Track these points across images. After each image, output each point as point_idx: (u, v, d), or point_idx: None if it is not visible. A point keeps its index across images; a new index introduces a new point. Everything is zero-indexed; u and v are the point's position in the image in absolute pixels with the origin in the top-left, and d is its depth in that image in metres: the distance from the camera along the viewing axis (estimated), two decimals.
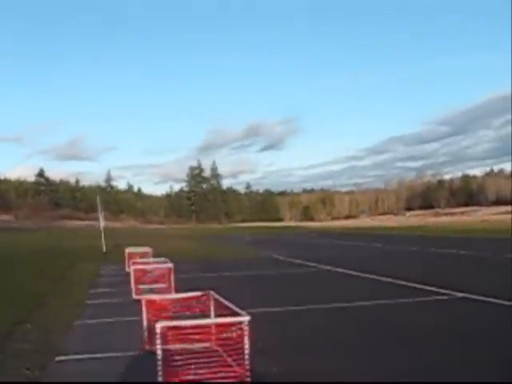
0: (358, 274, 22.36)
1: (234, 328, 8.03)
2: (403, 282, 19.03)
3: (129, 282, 18.10)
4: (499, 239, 42.16)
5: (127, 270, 22.97)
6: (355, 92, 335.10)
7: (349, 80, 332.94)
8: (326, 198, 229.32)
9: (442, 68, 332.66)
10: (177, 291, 15.14)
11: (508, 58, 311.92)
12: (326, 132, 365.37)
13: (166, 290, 16.61)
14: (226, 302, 9.09)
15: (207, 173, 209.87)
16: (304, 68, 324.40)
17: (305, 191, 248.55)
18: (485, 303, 14.49)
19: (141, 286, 17.40)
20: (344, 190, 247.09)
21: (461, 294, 15.91)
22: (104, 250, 40.64)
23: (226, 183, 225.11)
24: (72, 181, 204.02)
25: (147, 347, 9.95)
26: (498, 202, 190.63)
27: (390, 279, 20.04)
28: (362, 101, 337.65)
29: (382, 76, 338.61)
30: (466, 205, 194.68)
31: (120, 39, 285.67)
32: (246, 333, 7.78)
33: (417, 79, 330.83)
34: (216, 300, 9.79)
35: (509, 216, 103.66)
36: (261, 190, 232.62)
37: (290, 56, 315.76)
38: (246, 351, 7.78)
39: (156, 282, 17.71)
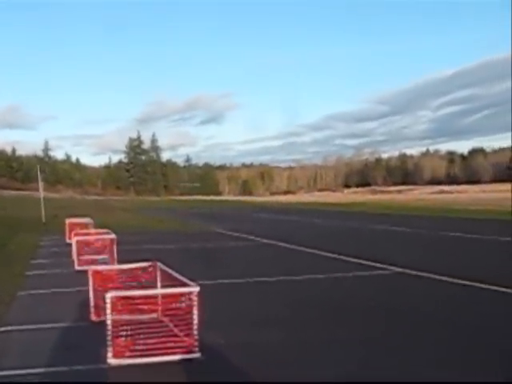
0: (301, 248, 22.66)
1: (183, 298, 8.11)
2: (343, 257, 19.43)
3: (70, 253, 17.99)
4: (433, 217, 43.12)
5: (68, 241, 22.77)
6: (296, 68, 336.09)
7: (290, 56, 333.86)
8: (264, 173, 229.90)
9: (382, 49, 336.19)
10: (119, 263, 15.11)
11: (447, 41, 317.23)
12: (267, 107, 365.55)
13: (109, 261, 16.61)
14: (174, 273, 9.15)
15: (147, 145, 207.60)
16: (245, 42, 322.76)
17: (244, 166, 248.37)
18: (420, 277, 15.01)
19: (83, 257, 17.32)
20: (283, 165, 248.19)
21: (399, 269, 16.38)
22: (44, 220, 40.05)
23: (165, 156, 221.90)
24: (8, 150, 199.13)
25: (94, 318, 9.97)
26: (433, 181, 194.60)
27: (330, 254, 20.41)
28: (302, 77, 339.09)
29: (323, 53, 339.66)
30: (403, 183, 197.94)
31: (59, 7, 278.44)
32: (195, 303, 7.88)
33: (357, 58, 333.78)
34: (163, 271, 9.84)
35: (443, 195, 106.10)
36: (200, 164, 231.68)
37: (229, 29, 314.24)
38: (195, 322, 7.88)
39: (98, 253, 17.66)
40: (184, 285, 8.24)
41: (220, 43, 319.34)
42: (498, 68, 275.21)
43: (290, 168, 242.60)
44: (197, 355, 7.87)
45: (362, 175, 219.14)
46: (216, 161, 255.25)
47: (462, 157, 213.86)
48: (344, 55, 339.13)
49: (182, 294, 8.08)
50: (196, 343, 7.91)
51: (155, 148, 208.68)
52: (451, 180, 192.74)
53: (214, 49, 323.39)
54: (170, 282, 9.06)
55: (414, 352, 8.29)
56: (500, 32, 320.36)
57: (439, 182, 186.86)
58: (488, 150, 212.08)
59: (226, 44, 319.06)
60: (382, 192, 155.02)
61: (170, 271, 9.39)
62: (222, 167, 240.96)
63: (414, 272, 15.79)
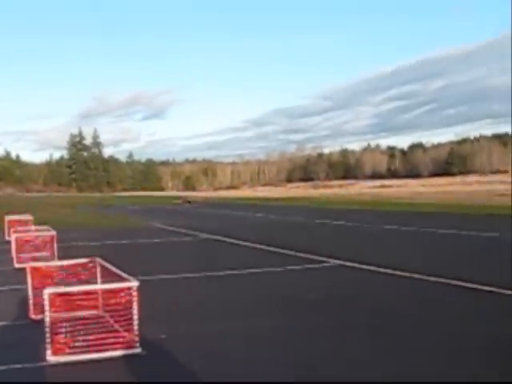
0: (244, 243, 22.77)
1: (122, 294, 8.10)
2: (286, 251, 19.62)
3: (9, 251, 17.69)
4: (374, 211, 43.77)
5: (7, 238, 22.36)
6: (240, 64, 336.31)
7: (233, 52, 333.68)
8: (208, 169, 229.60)
9: (325, 44, 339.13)
10: (60, 259, 14.94)
11: (387, 38, 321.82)
12: (210, 103, 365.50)
13: (49, 259, 16.38)
14: (114, 269, 9.11)
15: (88, 141, 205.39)
16: (187, 38, 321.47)
17: (187, 161, 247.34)
18: (360, 270, 15.30)
19: (22, 255, 17.06)
20: (226, 161, 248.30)
21: (339, 262, 16.66)
22: None
23: (107, 151, 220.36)
24: None
25: (33, 315, 9.86)
26: (374, 175, 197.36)
27: (272, 248, 20.56)
28: (246, 73, 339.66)
29: (267, 49, 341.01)
30: (344, 178, 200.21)
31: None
32: (135, 298, 7.88)
33: (300, 53, 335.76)
34: (103, 267, 9.80)
35: (383, 189, 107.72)
36: (143, 160, 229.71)
37: (172, 26, 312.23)
38: (135, 317, 7.88)
39: (38, 250, 17.40)
40: (123, 280, 8.23)
41: (162, 38, 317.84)
42: (437, 65, 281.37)
43: (234, 163, 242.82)
44: (138, 350, 7.89)
45: (305, 170, 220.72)
46: (159, 157, 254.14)
47: (402, 152, 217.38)
48: (286, 50, 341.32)
49: (121, 290, 8.08)
50: (136, 338, 7.91)
51: (97, 144, 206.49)
52: (392, 174, 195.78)
53: (156, 44, 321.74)
54: (110, 277, 9.03)
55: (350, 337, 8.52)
56: (438, 31, 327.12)
57: (380, 177, 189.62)
58: (427, 145, 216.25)
59: (168, 39, 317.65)
60: (324, 187, 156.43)
61: (109, 267, 9.36)
62: (165, 163, 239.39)
63: (354, 264, 16.10)
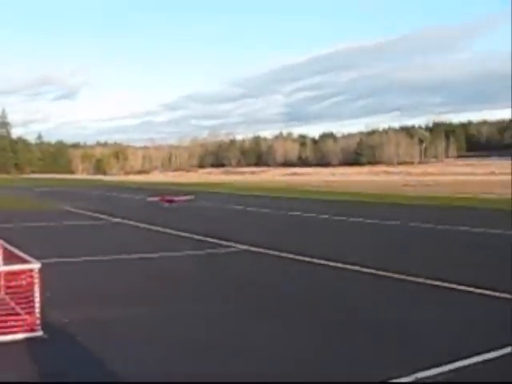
0: (154, 227, 22.68)
1: (23, 276, 7.98)
2: (194, 236, 19.69)
3: None
4: (284, 198, 44.13)
5: None
6: (155, 48, 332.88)
7: (149, 35, 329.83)
8: (119, 152, 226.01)
9: (240, 32, 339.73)
10: None
11: (301, 28, 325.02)
12: (123, 86, 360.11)
13: None
14: (16, 251, 8.96)
15: None
16: (100, 19, 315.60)
17: (98, 144, 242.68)
18: (262, 254, 15.57)
19: None
20: (138, 144, 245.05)
21: (244, 247, 16.90)
22: None
23: (15, 132, 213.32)
24: None
25: None
26: (286, 163, 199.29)
27: (182, 233, 20.60)
28: (161, 57, 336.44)
29: (183, 34, 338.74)
30: (256, 165, 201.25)
31: None
32: (37, 281, 7.78)
33: (215, 40, 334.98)
34: (5, 249, 9.61)
35: (294, 177, 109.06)
36: (53, 141, 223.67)
37: (86, 6, 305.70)
38: (37, 299, 7.79)
39: None
40: (25, 262, 8.10)
41: (75, 19, 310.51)
42: (348, 58, 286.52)
43: (145, 148, 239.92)
44: (39, 333, 7.80)
45: (217, 156, 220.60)
46: (69, 139, 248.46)
47: (314, 141, 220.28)
48: (202, 36, 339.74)
49: (22, 272, 7.95)
50: (38, 321, 7.83)
51: (5, 124, 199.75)
52: (303, 162, 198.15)
53: (68, 24, 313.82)
54: (12, 259, 8.88)
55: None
56: (350, 23, 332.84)
57: (291, 165, 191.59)
58: (338, 134, 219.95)
59: (81, 21, 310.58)
60: (236, 173, 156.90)
61: (11, 249, 9.19)
62: (75, 145, 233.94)
63: (258, 249, 16.37)
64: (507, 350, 7.39)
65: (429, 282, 11.80)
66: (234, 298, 10.59)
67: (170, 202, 33.76)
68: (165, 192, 38.91)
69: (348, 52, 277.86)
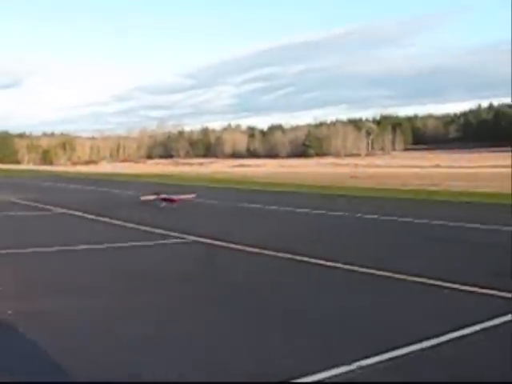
0: (102, 219, 22.53)
1: None
2: (141, 227, 19.65)
3: None
4: (232, 189, 44.22)
5: None
6: (104, 38, 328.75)
7: (98, 25, 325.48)
8: (66, 143, 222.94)
9: (190, 23, 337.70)
10: None
11: (249, 21, 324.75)
12: (70, 76, 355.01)
13: None
14: None
15: None
16: (49, 6, 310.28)
17: (45, 135, 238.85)
18: (211, 245, 15.68)
19: None
20: (86, 135, 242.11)
21: (193, 238, 16.95)
22: None
23: None
24: None
25: None
26: (234, 155, 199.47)
27: (130, 224, 20.53)
28: (110, 47, 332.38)
29: (133, 24, 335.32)
30: (205, 156, 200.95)
31: None
32: None
33: (167, 31, 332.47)
34: None
35: (243, 168, 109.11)
36: None
37: None
38: None
39: None
40: None
41: (19, 4, 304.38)
42: (297, 50, 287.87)
43: (93, 138, 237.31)
44: None
45: (165, 147, 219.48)
46: (15, 129, 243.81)
47: (262, 132, 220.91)
48: (152, 27, 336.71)
49: None
50: None
51: None
52: (251, 154, 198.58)
53: (12, 10, 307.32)
54: None
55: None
56: (299, 16, 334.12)
57: (240, 156, 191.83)
58: (286, 126, 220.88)
59: (27, 5, 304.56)
60: (184, 164, 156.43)
61: None
62: (21, 135, 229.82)
63: (207, 240, 16.44)
64: (442, 338, 7.65)
65: (370, 271, 12.10)
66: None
67: (170, 201, 26.59)
68: (158, 189, 31.16)
69: (297, 44, 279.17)
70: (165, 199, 26.67)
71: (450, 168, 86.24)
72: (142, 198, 27.42)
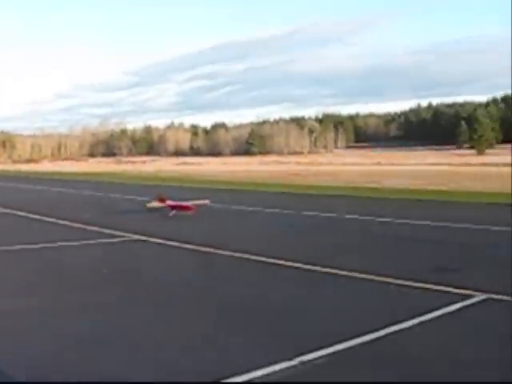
0: (46, 218, 22.22)
1: None
2: (81, 225, 19.49)
3: None
4: (172, 187, 43.94)
5: None
6: (46, 35, 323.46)
7: (42, 23, 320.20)
8: (6, 141, 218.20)
9: (133, 22, 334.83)
10: None
11: (191, 18, 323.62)
12: (11, 72, 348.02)
13: None
14: None
15: None
16: None
17: None
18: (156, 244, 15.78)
19: None
20: (26, 133, 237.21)
21: (136, 236, 16.93)
22: None
23: None
24: None
25: None
26: (177, 153, 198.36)
27: (74, 224, 20.33)
28: (51, 44, 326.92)
29: (76, 22, 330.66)
30: (147, 154, 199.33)
31: None
32: None
33: (109, 29, 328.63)
34: None
35: (186, 167, 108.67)
36: None
37: None
38: None
39: None
40: None
41: None
42: (240, 48, 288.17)
43: (34, 136, 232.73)
44: None
45: (108, 145, 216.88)
46: None
47: (205, 130, 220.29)
48: (98, 23, 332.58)
49: None
50: None
51: None
52: (194, 152, 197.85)
53: None
54: None
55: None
56: (243, 15, 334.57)
57: (183, 154, 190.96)
58: (230, 124, 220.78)
59: None
60: (127, 162, 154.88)
61: None
62: None
63: (149, 239, 16.46)
64: (381, 333, 7.86)
65: (307, 267, 12.31)
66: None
67: (184, 209, 22.44)
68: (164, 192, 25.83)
69: (240, 43, 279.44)
70: (175, 206, 22.53)
71: (390, 166, 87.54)
72: (148, 205, 22.85)
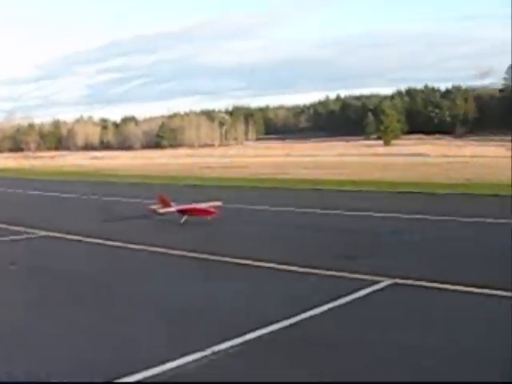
0: None
1: None
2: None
3: None
4: (84, 182, 43.24)
5: None
6: None
7: None
8: None
9: (40, 13, 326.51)
10: None
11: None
12: None
13: None
14: None
15: None
16: None
17: None
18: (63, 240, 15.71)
19: None
20: None
21: (44, 233, 16.67)
22: None
23: None
24: None
25: None
26: (87, 147, 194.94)
27: None
28: None
29: None
30: (56, 149, 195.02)
31: None
32: None
33: (15, 22, 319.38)
34: None
35: (96, 161, 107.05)
36: None
37: None
38: None
39: None
40: None
41: None
42: (149, 41, 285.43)
43: None
44: None
45: (15, 140, 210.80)
46: None
47: (115, 124, 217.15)
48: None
49: None
50: None
51: None
52: (104, 146, 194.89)
53: None
54: None
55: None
56: (153, 7, 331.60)
57: (93, 148, 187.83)
58: (140, 118, 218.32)
59: None
60: (35, 158, 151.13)
61: None
62: None
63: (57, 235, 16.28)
64: (293, 320, 8.05)
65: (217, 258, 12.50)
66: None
67: (201, 213, 18.60)
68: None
69: (150, 35, 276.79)
70: (187, 210, 18.72)
71: (300, 157, 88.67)
72: (161, 210, 18.92)
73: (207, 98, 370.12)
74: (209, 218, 17.99)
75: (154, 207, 19.35)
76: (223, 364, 6.67)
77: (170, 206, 18.85)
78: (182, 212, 18.56)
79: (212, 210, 18.31)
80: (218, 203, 19.64)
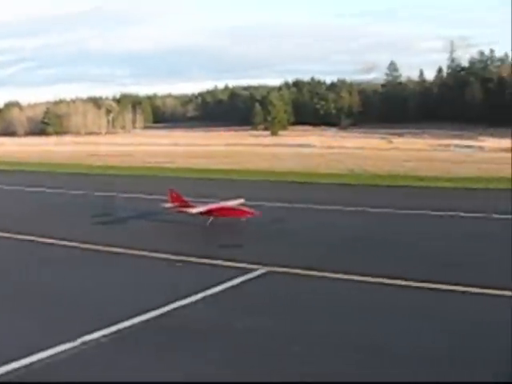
0: None
1: None
2: None
3: None
4: None
5: None
6: None
7: None
8: None
9: None
10: None
11: None
12: None
13: None
14: None
15: None
16: None
17: None
18: None
19: None
20: None
21: None
22: None
23: None
24: None
25: None
26: None
27: None
28: None
29: None
30: None
31: None
32: None
33: None
34: None
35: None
36: None
37: None
38: None
39: None
40: None
41: None
42: (36, 24, 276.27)
43: None
44: None
45: None
46: None
47: None
48: None
49: None
50: None
51: None
52: None
53: None
54: None
55: None
56: None
57: None
58: (24, 103, 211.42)
59: None
60: None
61: None
62: None
63: None
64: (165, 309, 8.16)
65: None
66: None
67: (231, 214, 16.20)
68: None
69: (36, 18, 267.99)
70: (212, 211, 16.18)
71: (188, 146, 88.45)
72: (187, 210, 16.13)
73: (94, 84, 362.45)
74: (243, 218, 15.80)
75: (171, 205, 16.92)
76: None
77: (183, 201, 16.78)
78: (210, 213, 16.08)
79: (247, 209, 16.05)
80: (241, 200, 17.39)
